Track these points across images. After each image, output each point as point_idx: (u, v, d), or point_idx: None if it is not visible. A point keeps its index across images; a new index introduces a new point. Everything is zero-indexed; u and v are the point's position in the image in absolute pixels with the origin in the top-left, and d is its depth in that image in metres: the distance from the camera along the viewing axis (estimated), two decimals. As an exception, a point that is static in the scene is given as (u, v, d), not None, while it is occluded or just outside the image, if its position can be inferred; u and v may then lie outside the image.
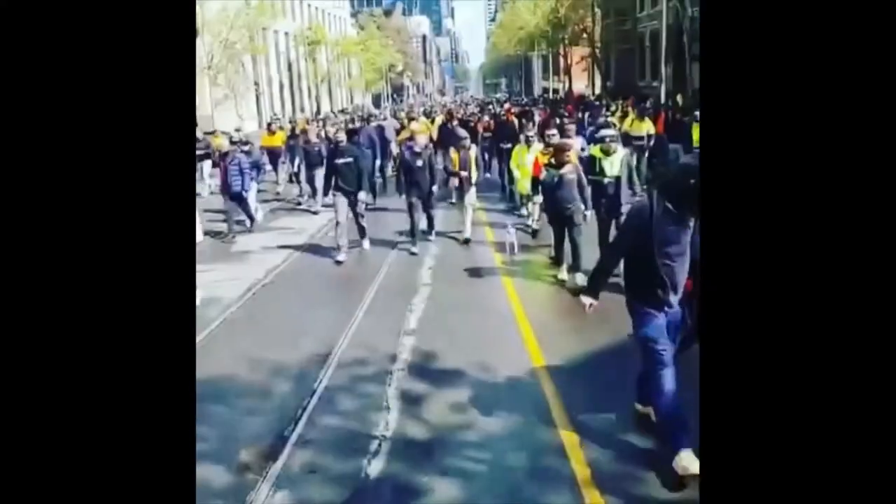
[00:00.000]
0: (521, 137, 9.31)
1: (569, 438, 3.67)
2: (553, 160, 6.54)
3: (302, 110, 41.41)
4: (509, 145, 10.55)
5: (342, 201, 7.94)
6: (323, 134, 12.54)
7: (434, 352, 5.00)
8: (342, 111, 31.01)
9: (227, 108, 29.16)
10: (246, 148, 10.35)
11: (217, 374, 4.67)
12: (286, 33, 41.29)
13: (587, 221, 6.61)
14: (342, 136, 8.30)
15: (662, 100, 20.04)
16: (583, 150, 8.28)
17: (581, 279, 6.31)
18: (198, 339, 5.40)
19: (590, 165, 6.55)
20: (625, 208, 6.44)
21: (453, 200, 10.15)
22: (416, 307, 6.14)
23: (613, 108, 18.94)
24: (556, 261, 6.97)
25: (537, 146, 8.46)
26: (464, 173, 8.59)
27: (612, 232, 6.50)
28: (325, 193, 8.38)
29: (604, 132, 6.74)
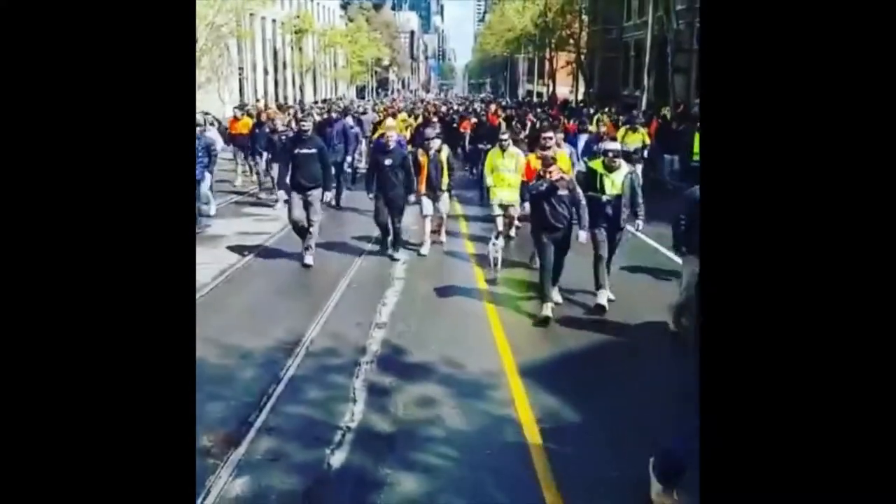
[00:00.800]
0: (504, 140, 8.10)
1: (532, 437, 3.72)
2: (541, 171, 5.75)
3: (285, 98, 41.07)
4: (489, 147, 9.45)
5: (297, 197, 7.03)
6: (293, 124, 11.29)
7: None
8: (325, 101, 30.78)
9: (209, 91, 28.77)
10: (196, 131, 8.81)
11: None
12: (273, 20, 40.83)
13: (583, 242, 5.67)
14: (307, 125, 7.32)
15: (643, 108, 20.26)
16: (572, 157, 7.69)
17: (557, 295, 5.83)
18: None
19: (589, 181, 5.77)
20: (621, 235, 5.86)
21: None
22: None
23: (598, 115, 18.09)
24: (540, 294, 5.74)
25: (513, 150, 7.67)
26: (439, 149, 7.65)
27: (604, 254, 5.78)
28: (280, 185, 7.24)
29: (608, 145, 6.03)
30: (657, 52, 22.11)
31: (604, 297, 5.79)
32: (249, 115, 12.92)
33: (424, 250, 7.74)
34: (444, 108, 22.29)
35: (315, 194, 7.02)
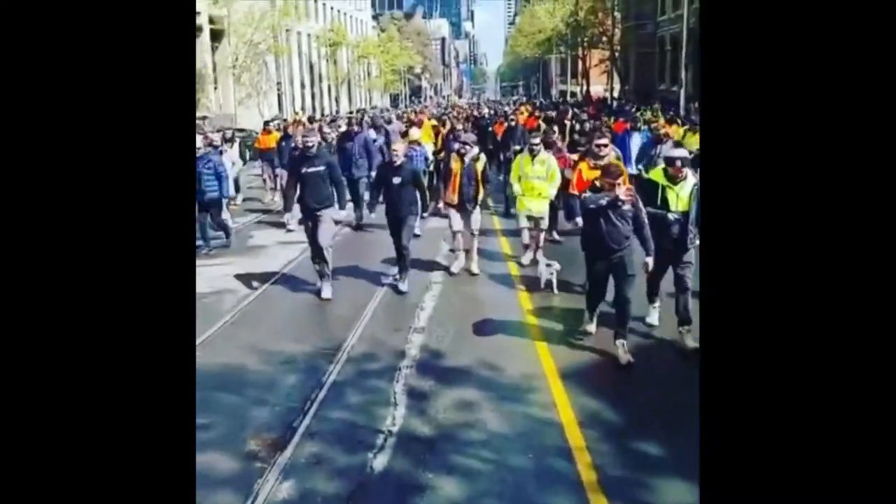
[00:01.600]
0: (535, 144, 7.13)
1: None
2: (598, 183, 4.76)
3: (322, 109, 41.83)
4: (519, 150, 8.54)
5: (306, 221, 6.47)
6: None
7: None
8: (359, 111, 31.17)
9: (249, 106, 29.57)
10: (216, 145, 9.04)
11: (230, 364, 4.78)
12: (308, 34, 41.71)
13: (648, 270, 4.79)
14: (312, 140, 6.44)
15: (682, 105, 19.86)
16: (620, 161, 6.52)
17: (624, 352, 4.66)
18: (212, 329, 5.51)
19: (648, 195, 4.79)
20: (690, 255, 4.80)
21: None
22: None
23: (644, 111, 16.30)
24: (588, 310, 5.13)
25: (544, 156, 6.97)
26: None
27: (668, 280, 5.00)
28: (288, 208, 6.73)
29: (673, 152, 4.94)
30: (694, 46, 21.67)
31: (692, 326, 4.89)
32: (277, 130, 12.60)
33: (455, 268, 7.09)
34: (475, 113, 21.74)
35: (326, 214, 6.33)
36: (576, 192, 6.11)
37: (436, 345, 5.17)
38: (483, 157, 7.07)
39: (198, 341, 5.10)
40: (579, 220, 5.33)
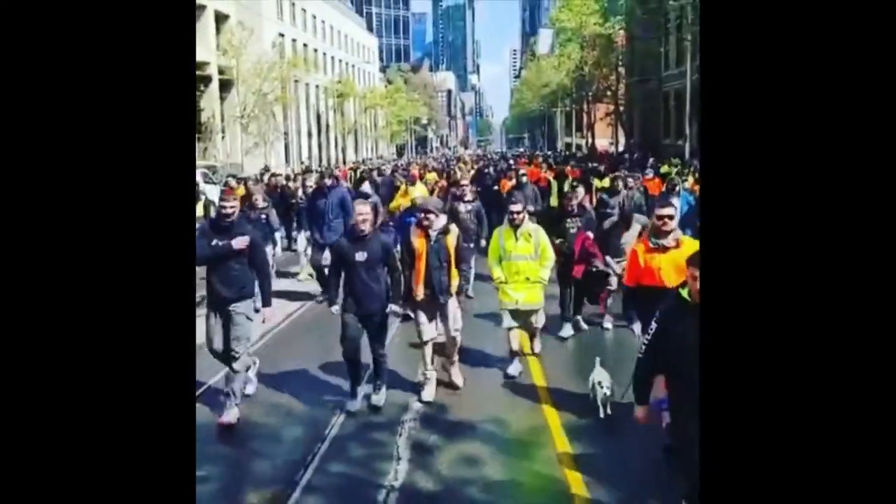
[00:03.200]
0: (515, 213, 5.31)
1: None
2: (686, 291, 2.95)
3: (328, 159, 42.51)
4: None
5: (214, 316, 4.59)
6: (300, 191, 9.67)
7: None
8: (363, 161, 31.61)
9: (256, 155, 30.09)
10: None
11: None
12: (317, 86, 42.78)
13: None
14: (229, 205, 4.56)
15: (687, 158, 20.07)
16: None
17: None
18: (210, 382, 5.41)
19: None
20: None
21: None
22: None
23: (676, 169, 13.49)
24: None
25: (530, 227, 5.26)
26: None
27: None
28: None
29: None
30: (698, 100, 22.06)
31: None
32: (243, 185, 10.59)
33: (427, 395, 4.90)
34: (480, 164, 20.44)
35: (241, 309, 4.55)
36: (630, 285, 4.49)
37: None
38: (454, 228, 5.06)
39: (197, 392, 5.01)
40: (636, 326, 4.03)
